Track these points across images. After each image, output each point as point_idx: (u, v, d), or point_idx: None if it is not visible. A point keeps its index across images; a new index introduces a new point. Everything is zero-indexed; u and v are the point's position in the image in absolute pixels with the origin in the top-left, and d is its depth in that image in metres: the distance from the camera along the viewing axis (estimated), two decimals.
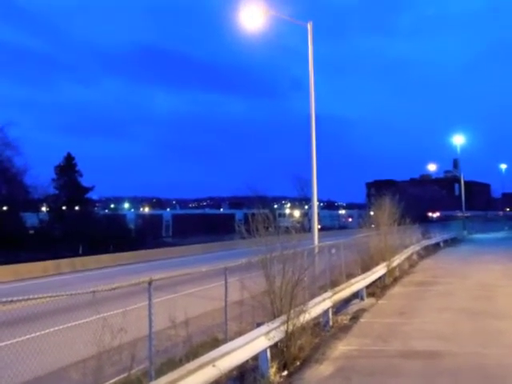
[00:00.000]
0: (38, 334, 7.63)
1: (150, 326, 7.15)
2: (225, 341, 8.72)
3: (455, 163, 70.98)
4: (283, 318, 9.32)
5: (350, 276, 16.99)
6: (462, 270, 24.22)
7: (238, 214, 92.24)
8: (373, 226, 23.15)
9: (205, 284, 15.42)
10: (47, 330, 8.02)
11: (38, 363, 6.44)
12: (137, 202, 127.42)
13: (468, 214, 73.57)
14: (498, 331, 11.45)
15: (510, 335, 11.05)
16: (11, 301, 5.21)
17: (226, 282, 9.58)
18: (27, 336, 7.34)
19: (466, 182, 72.00)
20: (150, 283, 7.14)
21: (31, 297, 5.47)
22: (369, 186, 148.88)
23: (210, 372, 6.88)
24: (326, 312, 12.39)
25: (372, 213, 24.77)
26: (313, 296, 11.98)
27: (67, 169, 61.64)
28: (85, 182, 63.35)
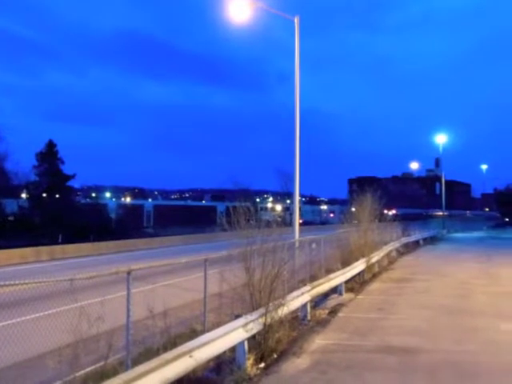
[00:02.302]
0: (13, 321, 7.55)
1: (128, 316, 7.13)
2: (203, 332, 8.73)
3: (437, 162, 71.79)
4: (262, 310, 9.35)
5: (330, 271, 17.08)
6: (441, 267, 24.48)
7: (220, 207, 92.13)
8: (354, 221, 23.29)
9: (185, 275, 15.42)
10: (23, 318, 7.95)
11: (14, 350, 6.39)
12: (119, 191, 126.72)
13: (446, 213, 74.20)
14: (473, 328, 11.60)
15: (486, 332, 11.20)
16: None
17: (205, 274, 9.57)
18: (2, 323, 7.27)
19: (446, 182, 72.73)
20: (128, 273, 7.10)
21: (7, 283, 5.41)
22: (351, 182, 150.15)
23: (187, 362, 6.88)
24: (304, 306, 12.46)
25: (353, 209, 24.92)
26: (292, 290, 12.03)
27: (49, 156, 60.80)
28: (66, 169, 62.60)
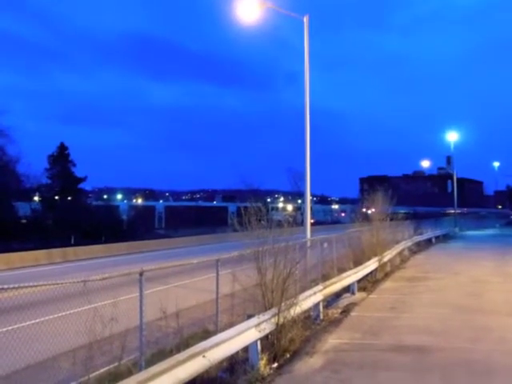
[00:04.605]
0: (28, 323, 7.62)
1: (141, 317, 7.17)
2: (215, 332, 8.75)
3: (448, 160, 71.09)
4: (274, 310, 9.35)
5: (342, 270, 17.04)
6: (453, 265, 24.33)
7: (231, 207, 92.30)
8: (365, 221, 23.20)
9: (197, 276, 15.43)
10: (38, 320, 8.01)
11: (29, 352, 6.45)
12: (130, 193, 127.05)
13: (458, 210, 73.60)
14: (487, 327, 11.52)
15: (499, 331, 11.12)
16: (1, 288, 5.20)
17: (217, 274, 9.60)
18: (18, 325, 7.34)
19: (458, 179, 72.20)
20: (141, 274, 7.15)
21: (22, 285, 5.46)
22: (362, 181, 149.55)
23: (200, 363, 6.90)
24: (316, 305, 12.43)
25: (365, 208, 24.85)
26: (304, 289, 12.02)
27: (60, 158, 61.22)
28: (78, 172, 63.04)
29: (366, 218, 23.22)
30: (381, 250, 20.88)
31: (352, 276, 16.21)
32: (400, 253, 26.68)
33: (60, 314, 8.29)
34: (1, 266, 24.95)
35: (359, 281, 17.19)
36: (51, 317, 8.33)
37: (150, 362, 6.88)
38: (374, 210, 22.64)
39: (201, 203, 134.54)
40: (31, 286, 5.65)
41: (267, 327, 8.96)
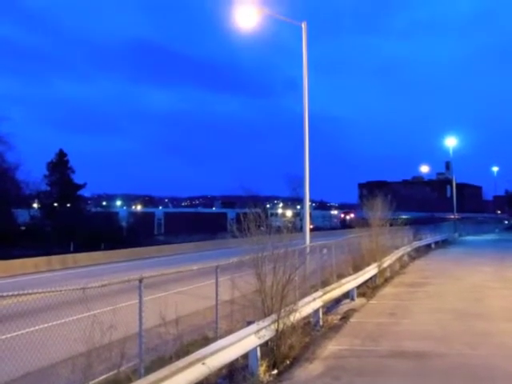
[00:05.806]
0: (27, 330, 7.60)
1: (141, 324, 7.15)
2: (215, 339, 8.73)
3: (447, 165, 71.29)
4: (274, 316, 9.33)
5: (341, 276, 17.03)
6: (453, 271, 24.32)
7: (231, 213, 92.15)
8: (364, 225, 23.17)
9: (196, 282, 15.44)
10: (37, 327, 7.99)
11: (28, 360, 6.42)
12: (129, 199, 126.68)
13: (457, 215, 73.51)
14: (487, 332, 11.51)
15: (499, 336, 11.11)
16: (1, 296, 5.19)
17: (216, 281, 9.59)
18: (16, 332, 7.32)
19: (457, 185, 72.29)
20: (140, 281, 7.13)
21: (21, 292, 5.45)
22: (361, 186, 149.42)
23: (200, 370, 6.88)
24: (316, 311, 12.41)
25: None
26: (303, 295, 12.00)
27: (59, 165, 61.16)
28: (77, 178, 62.96)
29: (365, 223, 23.16)
30: (380, 255, 20.86)
31: (351, 282, 16.20)
32: (399, 258, 26.66)
33: (59, 322, 8.28)
34: (0, 272, 24.89)
35: (359, 287, 17.17)
36: (50, 324, 8.30)
37: (150, 370, 6.86)
38: (352, 216, 22.68)
39: (200, 209, 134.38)
40: (30, 294, 5.64)
41: (267, 334, 8.94)
